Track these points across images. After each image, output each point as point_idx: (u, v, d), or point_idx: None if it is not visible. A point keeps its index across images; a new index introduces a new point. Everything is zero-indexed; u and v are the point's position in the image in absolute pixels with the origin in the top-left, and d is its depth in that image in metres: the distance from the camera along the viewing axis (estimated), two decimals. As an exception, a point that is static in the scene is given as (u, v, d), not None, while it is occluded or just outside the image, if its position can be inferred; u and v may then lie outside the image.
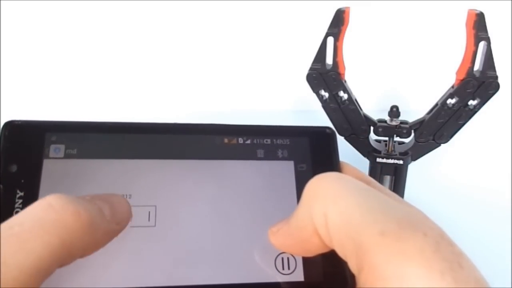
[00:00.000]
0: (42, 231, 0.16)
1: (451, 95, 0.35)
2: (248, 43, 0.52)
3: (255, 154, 0.25)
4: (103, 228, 0.18)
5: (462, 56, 0.34)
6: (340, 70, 0.35)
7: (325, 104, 0.36)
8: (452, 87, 0.35)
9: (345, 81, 0.36)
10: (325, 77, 0.35)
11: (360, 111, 0.37)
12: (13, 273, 0.14)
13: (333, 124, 0.37)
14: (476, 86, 0.34)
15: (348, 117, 0.37)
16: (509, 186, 0.45)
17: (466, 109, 0.35)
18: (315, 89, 0.36)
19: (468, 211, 0.42)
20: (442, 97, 0.36)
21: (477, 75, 0.34)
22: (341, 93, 0.36)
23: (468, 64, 0.34)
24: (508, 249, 0.38)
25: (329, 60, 0.35)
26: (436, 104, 0.36)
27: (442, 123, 0.36)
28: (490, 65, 0.33)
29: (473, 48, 0.33)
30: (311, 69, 0.35)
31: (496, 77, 0.34)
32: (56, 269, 0.16)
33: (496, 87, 0.34)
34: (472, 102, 0.35)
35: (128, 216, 0.20)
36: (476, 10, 0.32)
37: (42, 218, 0.16)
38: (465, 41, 0.33)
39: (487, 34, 0.32)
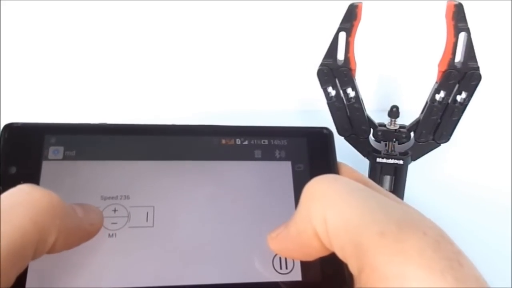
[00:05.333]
0: (12, 215, 0.16)
1: (437, 90, 0.35)
2: (250, 44, 0.52)
3: (253, 155, 0.25)
4: (75, 221, 0.18)
5: (444, 48, 0.34)
6: (352, 66, 0.35)
7: (330, 101, 0.36)
8: (436, 82, 0.35)
9: (355, 79, 0.36)
10: (336, 73, 0.35)
11: (364, 111, 0.37)
12: None
13: (335, 123, 0.37)
14: (458, 77, 0.34)
15: (351, 116, 0.37)
16: (509, 185, 0.45)
17: (456, 104, 0.35)
18: (324, 85, 0.36)
19: (468, 211, 0.42)
20: (430, 93, 0.36)
21: (459, 66, 0.34)
22: (349, 90, 0.36)
23: (449, 56, 0.34)
24: (508, 248, 0.38)
25: (340, 55, 0.35)
26: (427, 102, 0.36)
27: (436, 120, 0.36)
28: (471, 56, 0.33)
29: (453, 39, 0.33)
30: (322, 64, 0.35)
31: (478, 68, 0.34)
32: (32, 254, 0.16)
33: (478, 78, 0.34)
34: (460, 97, 0.35)
35: (101, 220, 0.20)
36: (455, 1, 0.32)
37: (12, 202, 0.16)
38: (446, 32, 0.33)
39: (467, 25, 0.32)
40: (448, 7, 0.32)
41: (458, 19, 0.32)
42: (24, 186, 0.17)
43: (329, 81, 0.35)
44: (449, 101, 0.35)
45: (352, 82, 0.35)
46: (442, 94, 0.35)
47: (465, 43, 0.33)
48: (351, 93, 0.36)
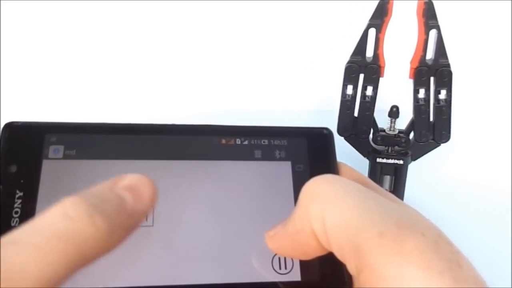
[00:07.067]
0: (60, 244, 0.15)
1: (416, 90, 0.35)
2: (251, 44, 0.52)
3: (253, 155, 0.25)
4: (122, 227, 0.17)
5: (415, 46, 0.34)
6: (381, 63, 0.35)
7: (344, 99, 0.36)
8: (412, 80, 0.36)
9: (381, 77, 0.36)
10: (364, 70, 0.35)
11: (373, 113, 0.37)
12: (29, 282, 0.14)
13: (339, 122, 0.37)
14: (430, 74, 0.34)
15: (359, 115, 0.36)
16: (509, 185, 0.45)
17: (441, 104, 0.35)
18: (346, 82, 0.36)
19: (468, 211, 0.42)
20: (412, 94, 0.36)
21: (430, 63, 0.34)
22: (369, 89, 0.35)
23: (420, 53, 0.34)
24: (508, 248, 0.38)
25: (368, 52, 0.35)
26: (413, 103, 0.37)
27: (428, 118, 0.36)
28: (441, 53, 0.34)
29: (424, 36, 0.33)
30: (350, 61, 0.35)
31: (448, 65, 0.34)
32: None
33: (449, 74, 0.34)
34: (441, 95, 0.35)
35: (151, 204, 0.18)
36: None
37: (60, 230, 0.15)
38: (417, 30, 0.33)
39: (437, 22, 0.33)
40: (418, 4, 0.33)
41: (428, 17, 0.33)
42: (70, 209, 0.16)
43: (354, 79, 0.35)
44: (433, 101, 0.36)
45: (377, 80, 0.35)
46: (422, 91, 0.35)
47: (435, 41, 0.34)
48: (369, 92, 0.36)
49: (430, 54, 0.35)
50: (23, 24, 0.49)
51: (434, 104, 0.36)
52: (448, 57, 0.34)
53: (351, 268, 0.17)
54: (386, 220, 0.17)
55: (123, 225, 0.17)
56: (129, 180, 0.18)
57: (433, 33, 0.33)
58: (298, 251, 0.20)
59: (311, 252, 0.19)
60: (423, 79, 0.35)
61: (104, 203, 0.17)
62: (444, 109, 0.35)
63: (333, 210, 0.18)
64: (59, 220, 0.16)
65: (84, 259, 0.16)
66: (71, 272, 0.15)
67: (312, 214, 0.18)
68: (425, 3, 0.33)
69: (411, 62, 0.35)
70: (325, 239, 0.18)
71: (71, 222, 0.16)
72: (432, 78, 0.35)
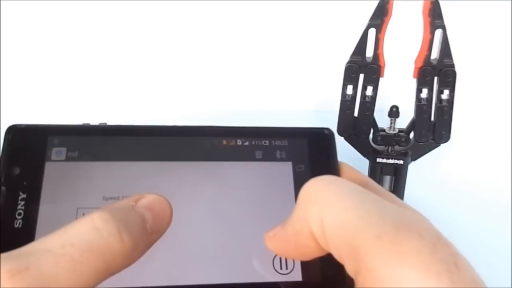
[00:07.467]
0: (92, 256, 0.15)
1: (419, 89, 0.35)
2: (252, 44, 0.52)
3: (254, 156, 0.25)
4: (143, 244, 0.18)
5: (420, 45, 0.34)
6: (381, 63, 0.35)
7: (344, 99, 0.36)
8: (416, 79, 0.36)
9: (381, 77, 0.36)
10: (364, 70, 0.35)
11: (373, 113, 0.37)
12: None
13: (339, 122, 0.37)
14: (434, 73, 0.35)
15: (359, 115, 0.36)
16: (509, 185, 0.45)
17: (443, 103, 0.35)
18: (346, 82, 0.36)
19: (468, 210, 0.43)
20: (415, 94, 0.36)
21: (435, 63, 0.34)
22: (369, 89, 0.36)
23: (425, 53, 0.34)
24: (508, 248, 0.39)
25: (368, 52, 0.35)
26: (415, 103, 0.37)
27: (429, 118, 0.36)
28: (446, 53, 0.34)
29: (429, 36, 0.33)
30: (350, 61, 0.35)
31: (453, 65, 0.34)
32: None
33: (453, 75, 0.34)
34: (444, 95, 0.35)
35: (168, 223, 0.19)
36: None
37: (91, 242, 0.16)
38: (422, 29, 0.34)
39: (443, 22, 0.33)
40: (424, 4, 0.33)
41: (434, 16, 0.33)
42: (99, 223, 0.16)
43: (354, 79, 0.35)
44: (435, 101, 0.36)
45: (377, 80, 0.35)
46: (425, 91, 0.35)
47: (441, 40, 0.34)
48: (369, 92, 0.36)
49: (434, 54, 0.35)
50: (24, 25, 0.49)
51: (436, 104, 0.36)
52: (452, 57, 0.34)
53: (349, 269, 0.17)
54: (384, 222, 0.17)
55: (144, 242, 0.18)
56: (149, 199, 0.18)
57: (438, 32, 0.33)
58: (297, 252, 0.20)
59: (310, 253, 0.19)
60: (427, 79, 0.35)
61: (129, 220, 0.17)
62: (446, 109, 0.36)
63: (331, 212, 0.18)
64: (91, 233, 0.16)
65: (108, 272, 0.16)
66: (96, 284, 0.16)
67: (310, 216, 0.18)
68: (432, 2, 0.33)
69: (415, 61, 0.35)
70: (323, 240, 0.18)
71: (101, 236, 0.16)
72: (435, 78, 0.35)
